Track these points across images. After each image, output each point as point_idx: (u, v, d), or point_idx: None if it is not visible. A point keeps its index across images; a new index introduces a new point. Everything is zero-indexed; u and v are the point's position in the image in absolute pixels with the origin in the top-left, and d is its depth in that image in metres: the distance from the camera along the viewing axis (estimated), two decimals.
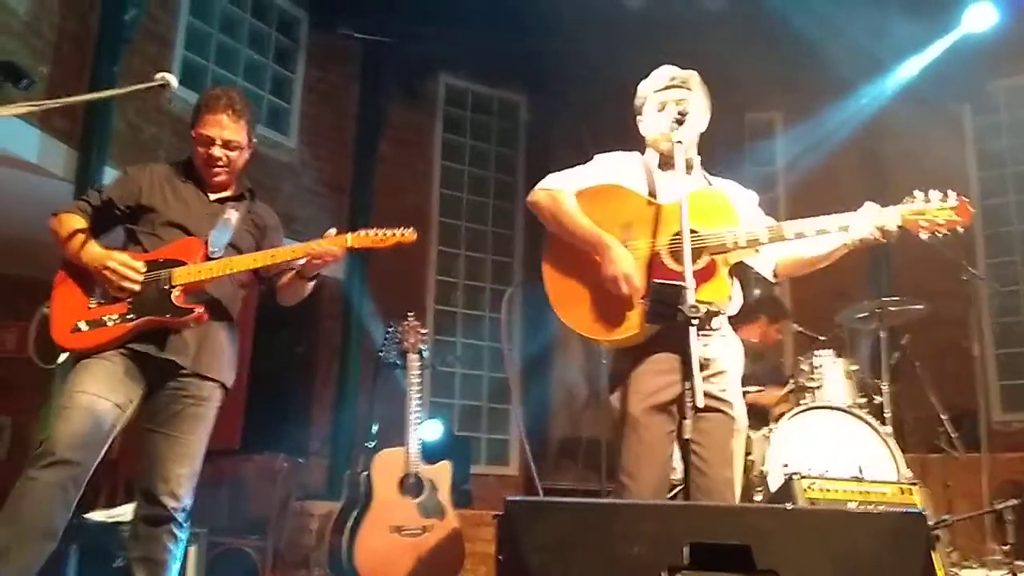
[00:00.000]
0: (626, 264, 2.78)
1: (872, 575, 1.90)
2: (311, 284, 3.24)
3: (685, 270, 2.54)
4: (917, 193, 2.74)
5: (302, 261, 3.12)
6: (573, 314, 2.88)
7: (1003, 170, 8.01)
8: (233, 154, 3.15)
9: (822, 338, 5.70)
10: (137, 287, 2.96)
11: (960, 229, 2.71)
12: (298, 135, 7.79)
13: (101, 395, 2.89)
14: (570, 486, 6.72)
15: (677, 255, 2.78)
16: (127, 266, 2.96)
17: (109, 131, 6.04)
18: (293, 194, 7.29)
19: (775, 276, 3.06)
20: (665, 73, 3.06)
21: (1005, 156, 8.02)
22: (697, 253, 2.74)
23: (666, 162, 3.04)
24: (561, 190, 2.97)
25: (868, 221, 2.72)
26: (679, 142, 2.75)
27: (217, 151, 3.11)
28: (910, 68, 7.57)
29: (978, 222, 7.74)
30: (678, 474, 3.05)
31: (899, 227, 2.73)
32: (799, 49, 7.38)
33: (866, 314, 5.42)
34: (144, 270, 2.98)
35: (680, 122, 2.77)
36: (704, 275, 2.70)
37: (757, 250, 2.89)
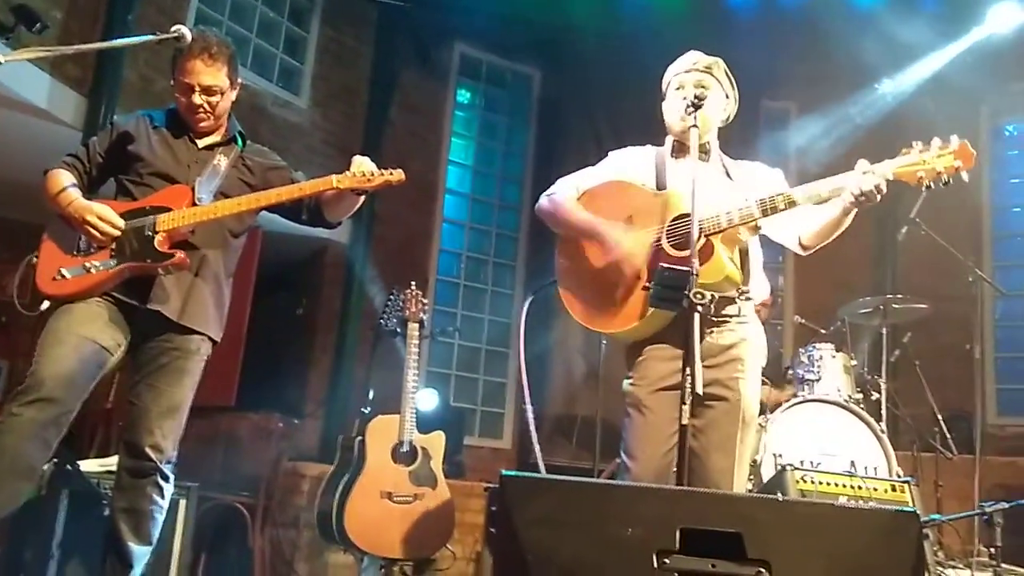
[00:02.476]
0: (624, 246, 2.80)
1: (863, 571, 1.90)
2: (361, 197, 3.13)
3: (690, 256, 2.52)
4: (915, 143, 2.65)
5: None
6: (583, 311, 2.92)
7: (1016, 174, 7.97)
8: (214, 99, 3.08)
9: (823, 331, 5.70)
10: (117, 232, 2.92)
11: (964, 175, 2.59)
12: (309, 96, 7.72)
13: (88, 336, 2.87)
14: (563, 463, 6.73)
15: (675, 242, 2.79)
16: (106, 219, 2.91)
17: (120, 81, 5.98)
18: (301, 155, 7.23)
19: (804, 248, 2.97)
20: (689, 57, 3.05)
21: (1019, 161, 7.98)
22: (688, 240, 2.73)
23: (681, 148, 3.03)
24: (560, 191, 3.05)
25: (855, 178, 2.65)
26: (694, 126, 2.72)
27: (197, 98, 3.06)
28: (929, 65, 7.50)
29: (988, 226, 7.71)
30: None
31: (892, 180, 2.62)
32: (818, 40, 7.33)
33: (869, 310, 5.43)
34: (123, 224, 2.93)
35: (696, 106, 2.73)
36: (700, 257, 2.68)
37: (757, 227, 2.85)
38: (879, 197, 2.63)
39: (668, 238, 2.81)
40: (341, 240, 7.53)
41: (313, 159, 7.36)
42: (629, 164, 3.06)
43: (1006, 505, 4.63)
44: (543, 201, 3.10)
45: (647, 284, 2.73)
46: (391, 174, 3.00)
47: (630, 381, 2.90)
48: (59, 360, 2.80)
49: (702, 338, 2.77)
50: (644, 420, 2.83)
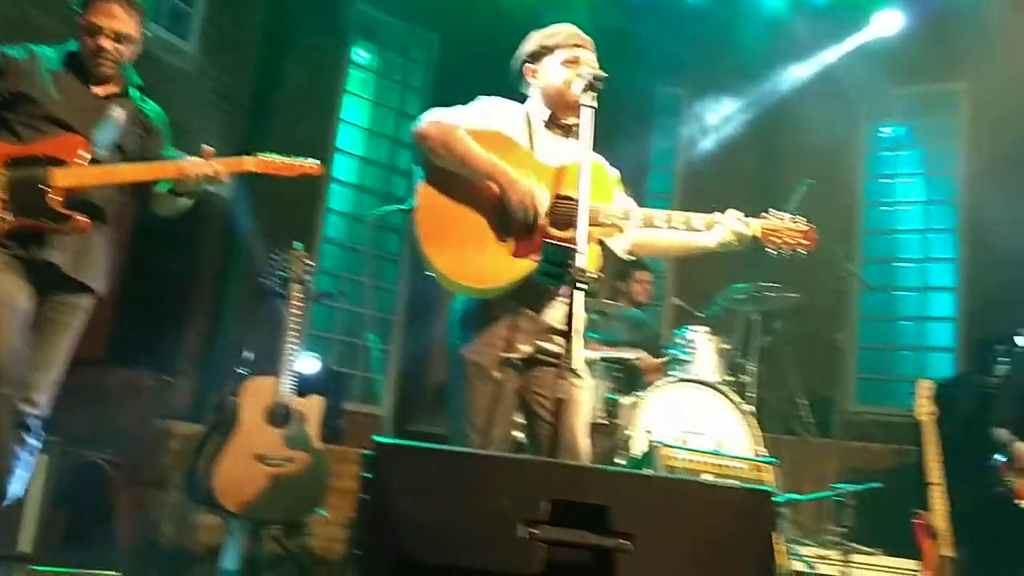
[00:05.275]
0: (532, 186, 2.75)
1: (721, 545, 1.98)
2: (187, 201, 3.12)
3: (579, 234, 2.53)
4: (773, 211, 2.96)
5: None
6: (444, 256, 2.79)
7: (890, 174, 8.35)
8: (123, 47, 2.98)
9: (699, 314, 5.87)
10: None
11: (803, 252, 2.95)
12: (198, 41, 7.41)
13: (16, 296, 2.78)
14: (443, 432, 6.75)
15: (555, 221, 2.80)
16: None
17: None
18: (187, 104, 6.94)
19: (626, 254, 3.10)
20: (572, 31, 3.04)
21: (894, 162, 8.37)
22: (570, 222, 2.71)
23: (555, 121, 3.02)
24: (452, 123, 2.86)
25: (730, 226, 2.87)
26: (592, 106, 2.69)
27: (106, 42, 2.94)
28: (815, 63, 7.78)
29: (860, 222, 8.07)
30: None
31: (754, 237, 2.91)
32: (714, 29, 7.49)
33: (744, 296, 5.61)
34: None
35: (596, 87, 2.71)
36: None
37: (621, 230, 2.91)
38: (740, 247, 2.90)
39: (549, 215, 2.80)
40: (223, 194, 7.29)
41: (200, 109, 7.09)
42: (506, 116, 2.97)
43: (857, 488, 4.91)
44: (428, 127, 2.84)
45: (526, 256, 2.74)
46: (310, 165, 2.99)
47: (471, 347, 2.84)
48: (7, 330, 2.73)
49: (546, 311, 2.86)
50: (489, 391, 2.79)
